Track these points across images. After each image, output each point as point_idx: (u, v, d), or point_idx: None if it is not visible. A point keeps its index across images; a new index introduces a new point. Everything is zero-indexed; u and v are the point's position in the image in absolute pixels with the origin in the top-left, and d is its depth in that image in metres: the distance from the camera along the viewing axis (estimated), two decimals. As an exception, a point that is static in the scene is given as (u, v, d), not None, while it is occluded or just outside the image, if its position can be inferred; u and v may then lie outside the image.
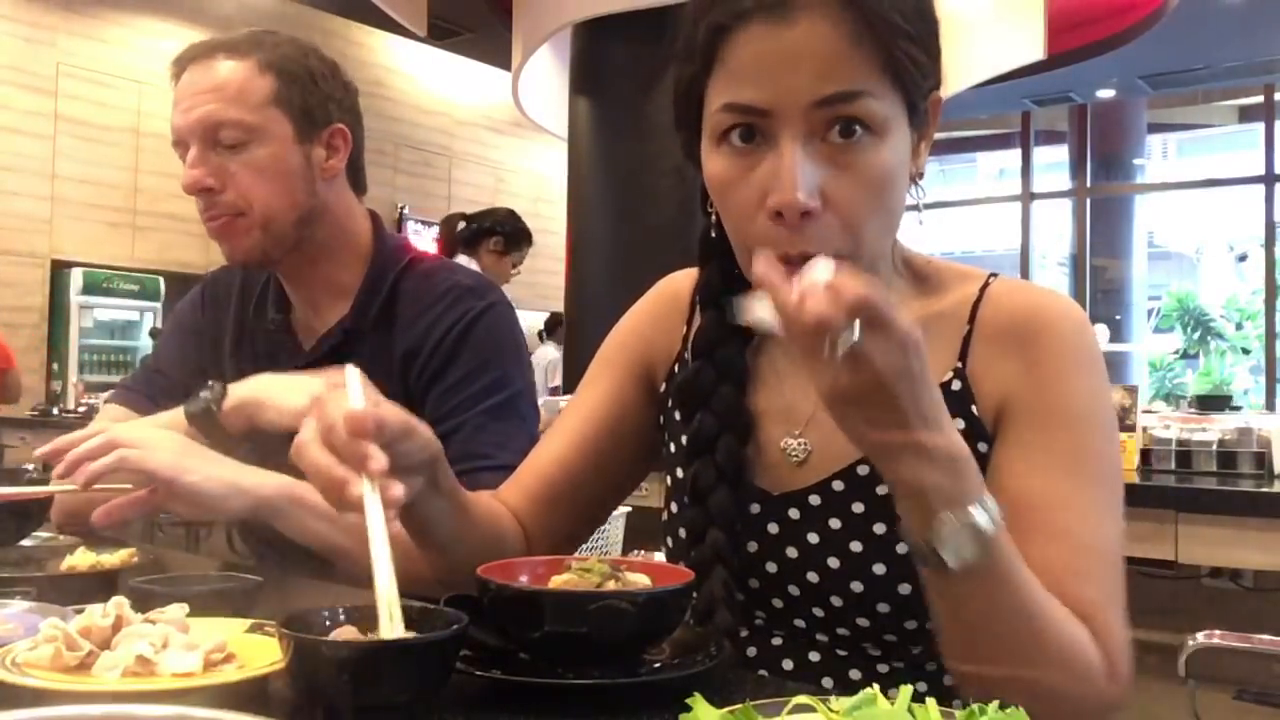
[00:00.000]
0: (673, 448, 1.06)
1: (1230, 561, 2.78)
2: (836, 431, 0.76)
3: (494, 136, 10.98)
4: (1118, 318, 11.30)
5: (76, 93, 8.12)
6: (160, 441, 1.19)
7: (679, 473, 1.03)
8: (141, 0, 8.48)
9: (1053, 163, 12.31)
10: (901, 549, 0.88)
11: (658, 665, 0.81)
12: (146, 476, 1.16)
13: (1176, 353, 13.10)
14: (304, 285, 1.47)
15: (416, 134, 10.31)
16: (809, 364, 0.72)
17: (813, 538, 0.94)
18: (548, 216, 9.13)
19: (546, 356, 6.97)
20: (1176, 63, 9.73)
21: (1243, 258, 14.03)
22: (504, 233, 4.51)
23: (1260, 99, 10.79)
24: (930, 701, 0.58)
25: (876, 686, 0.61)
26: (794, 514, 0.95)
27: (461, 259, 4.21)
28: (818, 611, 0.94)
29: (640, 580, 0.80)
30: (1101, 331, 6.04)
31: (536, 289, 9.51)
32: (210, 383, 1.31)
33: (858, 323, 0.69)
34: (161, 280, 8.38)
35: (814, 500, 0.95)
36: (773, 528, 0.96)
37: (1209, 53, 9.59)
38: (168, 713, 0.57)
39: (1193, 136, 14.49)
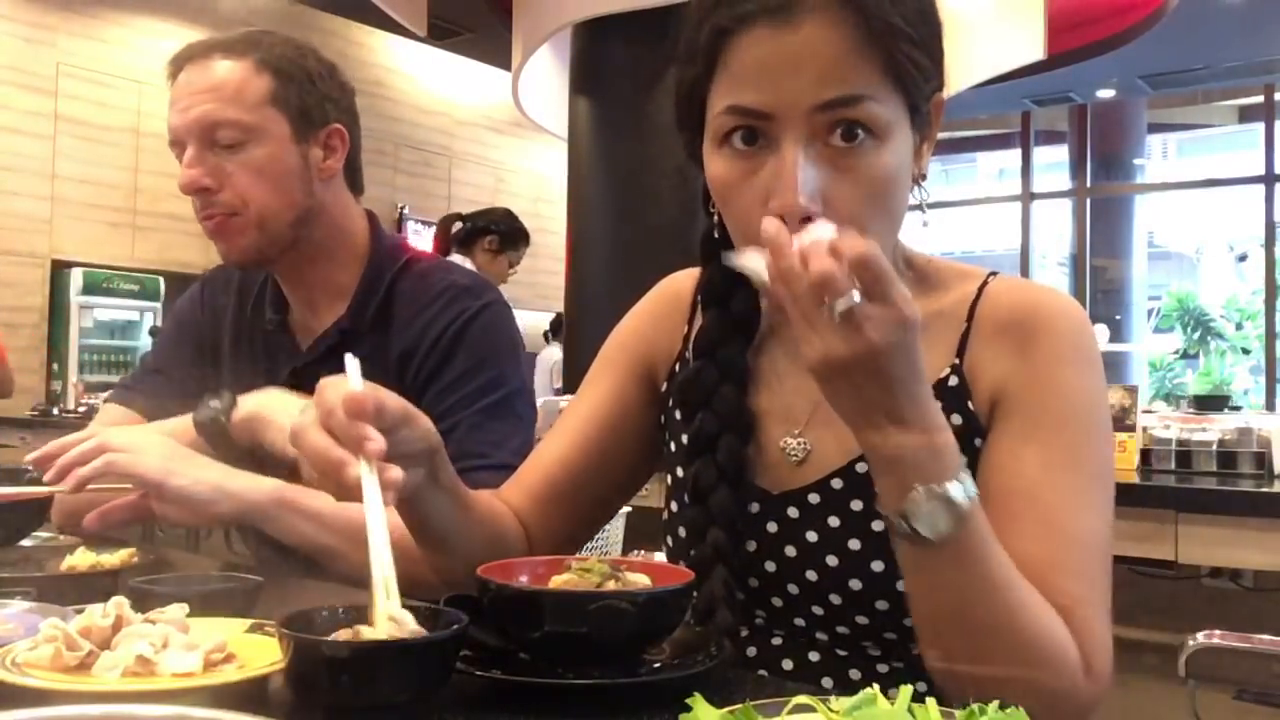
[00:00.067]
0: (673, 447, 1.06)
1: (1230, 561, 2.77)
2: (836, 431, 0.76)
3: (494, 136, 10.97)
4: (1118, 318, 11.29)
5: (76, 93, 8.10)
6: (149, 446, 1.19)
7: (679, 472, 1.03)
8: (141, 0, 8.47)
9: (1053, 163, 12.30)
10: None
11: (658, 665, 0.81)
12: (135, 480, 1.16)
13: (1176, 353, 13.09)
14: (301, 285, 1.47)
15: (416, 134, 10.30)
16: (803, 330, 0.72)
17: (812, 536, 0.94)
18: (548, 216, 9.13)
19: (552, 358, 6.89)
20: (1176, 63, 9.72)
21: (1243, 258, 14.03)
22: (499, 232, 4.51)
23: (1260, 99, 10.78)
24: (930, 701, 0.58)
25: (876, 686, 0.61)
26: (793, 513, 0.95)
27: (456, 258, 4.20)
28: (817, 610, 0.94)
29: (640, 580, 0.80)
30: (1101, 331, 6.04)
31: (537, 289, 9.52)
32: (221, 392, 1.30)
33: (856, 290, 0.69)
34: (161, 280, 8.36)
35: (813, 499, 0.95)
36: (772, 526, 0.96)
37: (1209, 53, 9.58)
38: (168, 713, 0.57)
39: (1193, 136, 14.49)
